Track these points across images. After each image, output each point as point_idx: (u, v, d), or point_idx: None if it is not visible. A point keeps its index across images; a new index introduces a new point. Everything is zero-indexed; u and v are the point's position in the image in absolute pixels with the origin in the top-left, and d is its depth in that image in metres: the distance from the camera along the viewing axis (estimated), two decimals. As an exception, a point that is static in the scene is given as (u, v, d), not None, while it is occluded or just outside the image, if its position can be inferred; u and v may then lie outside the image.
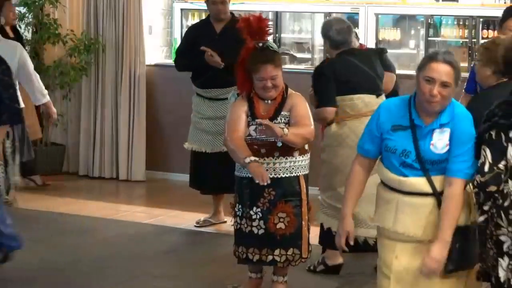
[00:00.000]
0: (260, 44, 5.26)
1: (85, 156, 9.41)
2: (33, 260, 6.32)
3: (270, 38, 5.66)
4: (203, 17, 10.18)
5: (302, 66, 9.25)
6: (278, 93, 5.26)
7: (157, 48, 9.81)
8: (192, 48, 7.10)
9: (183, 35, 7.86)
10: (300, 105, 5.27)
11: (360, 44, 6.94)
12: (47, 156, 9.23)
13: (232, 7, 7.49)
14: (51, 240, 6.91)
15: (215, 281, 5.95)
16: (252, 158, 5.05)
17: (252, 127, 5.24)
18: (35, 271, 6.10)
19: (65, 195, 8.60)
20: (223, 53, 6.84)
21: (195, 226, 7.35)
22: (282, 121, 5.22)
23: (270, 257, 5.26)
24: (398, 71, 6.90)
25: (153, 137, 9.28)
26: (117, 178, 9.26)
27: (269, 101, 5.27)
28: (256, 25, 5.30)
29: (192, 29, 7.61)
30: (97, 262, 6.31)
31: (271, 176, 5.16)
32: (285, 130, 5.04)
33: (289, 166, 5.24)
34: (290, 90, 5.36)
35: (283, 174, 5.24)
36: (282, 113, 5.24)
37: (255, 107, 5.26)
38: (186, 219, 7.61)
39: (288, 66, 8.90)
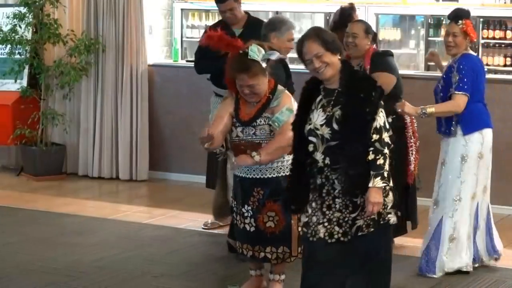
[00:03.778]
0: (241, 51, 5.25)
1: (84, 156, 9.41)
2: (33, 260, 6.32)
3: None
4: (203, 17, 10.23)
5: (302, 66, 9.21)
6: (262, 96, 5.28)
7: (157, 48, 9.81)
8: (211, 50, 6.91)
9: (200, 37, 7.71)
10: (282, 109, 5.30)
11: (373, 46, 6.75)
12: (47, 156, 9.24)
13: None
14: (51, 240, 6.91)
15: (215, 281, 5.95)
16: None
17: (240, 128, 5.28)
18: (35, 271, 6.10)
19: (65, 195, 8.60)
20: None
21: (203, 228, 7.30)
22: (265, 122, 5.26)
23: (262, 254, 5.38)
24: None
25: (153, 137, 9.28)
26: (117, 178, 9.26)
27: (255, 103, 5.30)
28: (217, 43, 5.34)
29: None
30: (97, 262, 6.31)
31: (258, 177, 5.29)
32: (256, 157, 5.12)
33: (277, 166, 5.30)
34: (280, 90, 5.36)
35: (270, 174, 5.31)
36: (264, 114, 5.28)
37: (240, 108, 5.32)
38: (187, 219, 7.61)
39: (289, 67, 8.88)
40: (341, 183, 4.31)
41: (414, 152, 6.53)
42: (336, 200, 4.36)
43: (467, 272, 6.04)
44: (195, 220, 7.48)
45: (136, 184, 9.11)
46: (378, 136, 4.31)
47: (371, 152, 4.30)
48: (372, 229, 4.36)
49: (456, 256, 6.01)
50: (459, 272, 6.04)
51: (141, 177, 9.18)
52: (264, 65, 5.21)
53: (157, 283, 5.89)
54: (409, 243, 6.75)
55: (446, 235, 6.00)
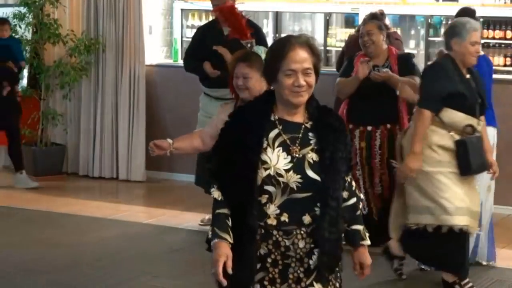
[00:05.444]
0: (248, 45, 5.24)
1: (85, 156, 9.42)
2: (33, 260, 6.32)
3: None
4: (203, 17, 10.23)
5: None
6: (253, 95, 5.28)
7: (157, 48, 9.82)
8: (200, 49, 7.16)
9: (192, 36, 7.85)
10: None
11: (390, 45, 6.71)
12: (47, 156, 9.24)
13: (232, 7, 7.48)
14: (51, 240, 6.91)
15: (215, 281, 5.93)
16: (170, 140, 5.23)
17: None
18: (35, 271, 6.10)
19: (65, 195, 8.61)
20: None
21: (200, 224, 7.32)
22: None
23: None
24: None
25: (154, 137, 9.22)
26: (117, 178, 9.27)
27: None
28: (228, 14, 5.26)
29: (200, 30, 7.60)
30: (97, 262, 6.32)
31: None
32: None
33: None
34: None
35: None
36: None
37: None
38: (187, 219, 7.61)
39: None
40: (317, 251, 3.27)
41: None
42: (289, 269, 3.29)
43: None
44: (195, 220, 7.48)
45: (136, 184, 9.11)
46: (350, 178, 3.42)
47: (352, 199, 3.40)
48: None
49: None
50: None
51: (140, 177, 9.16)
52: None
53: (157, 283, 5.90)
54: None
55: None
